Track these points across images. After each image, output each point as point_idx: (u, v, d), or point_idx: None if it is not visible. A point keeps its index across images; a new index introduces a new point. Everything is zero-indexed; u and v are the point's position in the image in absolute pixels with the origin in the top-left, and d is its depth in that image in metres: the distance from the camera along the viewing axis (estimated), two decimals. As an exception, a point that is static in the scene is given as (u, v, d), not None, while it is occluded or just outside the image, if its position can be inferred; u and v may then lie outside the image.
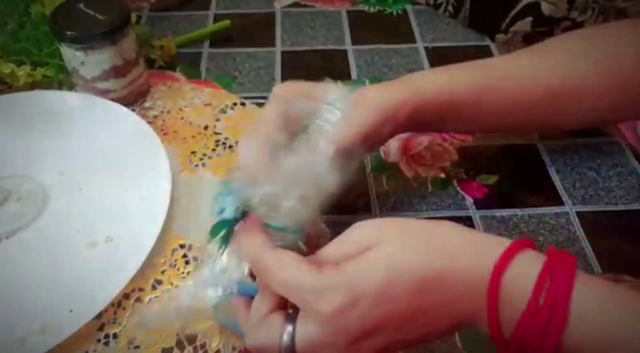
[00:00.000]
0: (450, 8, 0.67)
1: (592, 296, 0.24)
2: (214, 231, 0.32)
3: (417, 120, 0.37)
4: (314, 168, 0.30)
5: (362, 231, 0.28)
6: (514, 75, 0.39)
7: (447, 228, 0.27)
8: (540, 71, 0.39)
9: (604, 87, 0.39)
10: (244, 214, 0.31)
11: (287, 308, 0.28)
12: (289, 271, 0.26)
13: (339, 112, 0.32)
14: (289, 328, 0.27)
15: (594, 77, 0.39)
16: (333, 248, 0.28)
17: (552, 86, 0.39)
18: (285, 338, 0.27)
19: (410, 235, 0.27)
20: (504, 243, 0.26)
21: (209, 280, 0.31)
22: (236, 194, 0.32)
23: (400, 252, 0.26)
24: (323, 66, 0.58)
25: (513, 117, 0.40)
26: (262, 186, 0.30)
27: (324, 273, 0.26)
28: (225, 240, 0.32)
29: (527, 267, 0.25)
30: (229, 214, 0.32)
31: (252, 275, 0.30)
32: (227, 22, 0.62)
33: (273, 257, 0.27)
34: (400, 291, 0.25)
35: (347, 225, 0.43)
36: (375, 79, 0.56)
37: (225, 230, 0.32)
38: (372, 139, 0.36)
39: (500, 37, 0.63)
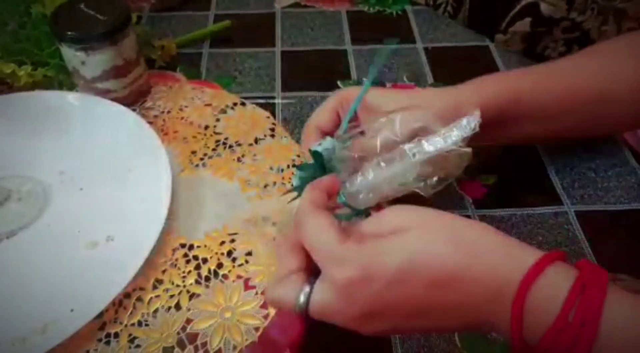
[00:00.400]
0: (449, 8, 0.67)
1: (622, 313, 0.24)
2: (300, 167, 0.35)
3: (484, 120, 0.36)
4: (404, 174, 0.31)
5: (397, 214, 0.28)
6: (567, 75, 0.40)
7: (481, 229, 0.27)
8: (589, 72, 0.40)
9: None
10: (325, 169, 0.34)
11: (311, 272, 0.30)
12: (319, 232, 0.28)
13: (458, 136, 0.32)
14: (307, 289, 0.28)
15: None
16: (367, 223, 0.29)
17: (600, 87, 0.39)
18: (302, 297, 0.28)
19: (440, 228, 0.27)
20: (536, 253, 0.25)
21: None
22: (334, 149, 0.34)
23: (423, 244, 0.26)
24: (323, 66, 0.59)
25: (562, 120, 0.40)
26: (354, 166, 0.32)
27: (346, 244, 0.27)
28: (300, 183, 0.34)
29: (558, 281, 0.24)
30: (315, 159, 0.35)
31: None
32: (227, 22, 0.62)
33: (313, 215, 0.29)
34: (415, 281, 0.25)
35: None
36: (375, 80, 0.56)
37: (306, 173, 0.34)
38: None
39: (499, 37, 0.63)
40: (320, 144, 0.35)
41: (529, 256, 0.25)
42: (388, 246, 0.26)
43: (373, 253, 0.26)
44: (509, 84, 0.39)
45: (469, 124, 0.32)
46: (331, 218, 0.29)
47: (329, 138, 0.36)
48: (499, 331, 0.26)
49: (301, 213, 0.29)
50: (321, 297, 0.28)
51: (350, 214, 0.32)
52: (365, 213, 0.33)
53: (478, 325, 0.26)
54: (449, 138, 0.31)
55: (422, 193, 0.32)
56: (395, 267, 0.25)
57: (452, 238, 0.26)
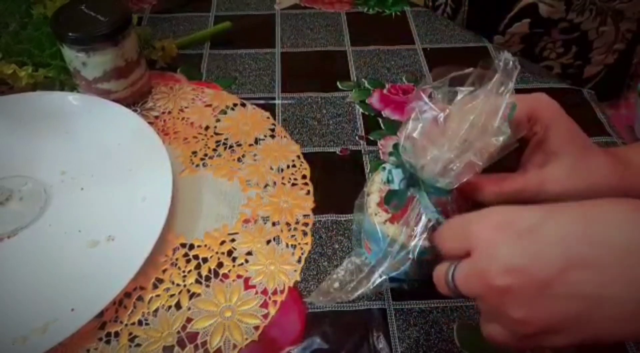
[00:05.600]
0: (448, 10, 0.67)
1: None
2: (386, 200, 0.35)
3: None
4: (488, 133, 0.30)
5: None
6: None
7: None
8: None
9: None
10: (409, 184, 0.34)
11: None
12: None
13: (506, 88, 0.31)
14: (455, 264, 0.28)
15: None
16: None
17: None
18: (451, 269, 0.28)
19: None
20: None
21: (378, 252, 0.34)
22: (402, 166, 0.34)
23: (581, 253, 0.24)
24: (322, 67, 0.59)
25: None
26: (428, 153, 0.31)
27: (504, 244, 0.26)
28: (396, 208, 0.34)
29: None
30: (396, 185, 0.35)
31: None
32: (227, 23, 0.62)
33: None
34: (577, 281, 0.24)
35: (349, 222, 0.43)
36: (374, 81, 0.57)
37: (396, 200, 0.34)
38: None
39: (498, 38, 0.64)
40: (392, 181, 0.35)
41: None
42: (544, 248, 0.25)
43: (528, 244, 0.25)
44: None
45: (507, 63, 0.30)
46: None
47: (388, 166, 0.36)
48: None
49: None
50: (464, 267, 0.27)
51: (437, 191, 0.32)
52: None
53: None
54: (507, 84, 0.30)
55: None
56: (551, 259, 0.24)
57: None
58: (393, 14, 0.66)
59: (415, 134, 0.32)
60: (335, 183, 0.46)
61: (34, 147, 0.48)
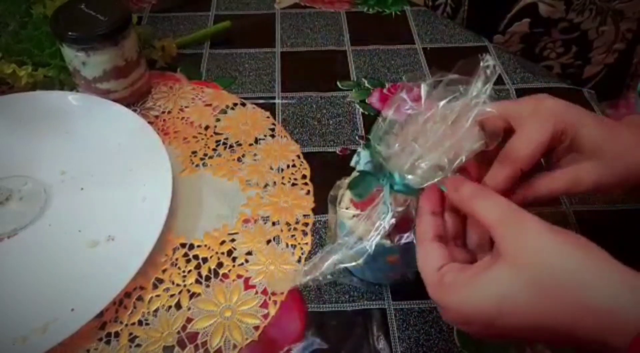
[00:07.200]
0: (448, 9, 0.67)
1: None
2: (351, 185, 0.34)
3: None
4: (458, 136, 0.30)
5: (505, 233, 0.27)
6: None
7: (573, 261, 0.26)
8: None
9: None
10: (376, 168, 0.33)
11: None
12: (425, 274, 0.30)
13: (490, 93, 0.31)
14: None
15: None
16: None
17: None
18: None
19: (525, 267, 0.26)
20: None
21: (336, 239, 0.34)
22: (371, 149, 0.33)
23: (509, 289, 0.26)
24: (322, 67, 0.59)
25: None
26: (399, 146, 0.31)
27: (443, 292, 0.28)
28: (359, 196, 0.34)
29: None
30: (362, 166, 0.34)
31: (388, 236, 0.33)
32: (227, 23, 0.62)
33: (421, 250, 0.30)
34: (503, 326, 0.26)
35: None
36: (374, 80, 0.57)
37: (361, 187, 0.34)
38: (553, 148, 0.33)
39: (498, 38, 0.64)
40: (359, 162, 0.34)
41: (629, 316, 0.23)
42: (481, 287, 0.27)
43: (467, 301, 0.27)
44: None
45: (488, 68, 0.30)
46: (438, 251, 0.30)
47: (361, 151, 0.34)
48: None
49: (417, 245, 0.31)
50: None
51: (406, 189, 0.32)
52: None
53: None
54: (486, 89, 0.30)
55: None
56: (487, 313, 0.26)
57: (536, 282, 0.25)
58: (393, 13, 0.66)
59: (394, 129, 0.32)
60: (335, 183, 0.46)
61: (34, 147, 0.48)
